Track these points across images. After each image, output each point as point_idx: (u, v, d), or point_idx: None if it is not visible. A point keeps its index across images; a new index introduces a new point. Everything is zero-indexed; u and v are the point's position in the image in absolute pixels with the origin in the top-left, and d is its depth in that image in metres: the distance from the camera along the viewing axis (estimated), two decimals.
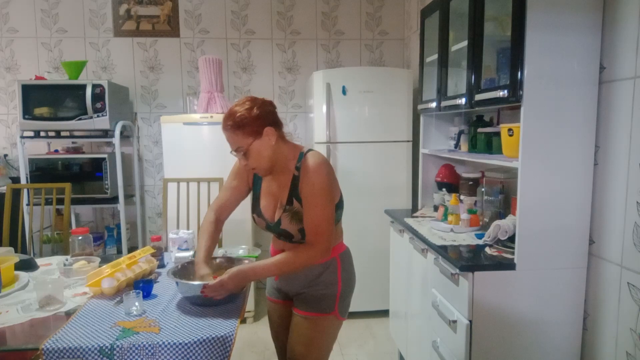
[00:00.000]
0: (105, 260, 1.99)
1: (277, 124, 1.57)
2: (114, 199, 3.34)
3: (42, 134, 3.36)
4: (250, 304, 3.25)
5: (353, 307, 3.29)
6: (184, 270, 1.69)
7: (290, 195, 1.58)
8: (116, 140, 3.27)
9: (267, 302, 1.85)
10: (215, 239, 1.73)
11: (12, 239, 2.70)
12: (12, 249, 2.17)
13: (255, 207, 1.69)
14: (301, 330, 1.64)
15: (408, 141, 3.26)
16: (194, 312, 1.52)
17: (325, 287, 1.63)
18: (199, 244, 1.70)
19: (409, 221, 2.44)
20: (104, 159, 3.29)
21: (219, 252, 2.13)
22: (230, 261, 1.76)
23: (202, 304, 1.55)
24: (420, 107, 2.69)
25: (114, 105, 3.29)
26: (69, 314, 1.52)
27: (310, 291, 1.64)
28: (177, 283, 1.59)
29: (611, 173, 1.64)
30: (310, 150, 1.61)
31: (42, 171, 3.28)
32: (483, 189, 2.23)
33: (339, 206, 1.63)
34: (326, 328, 1.66)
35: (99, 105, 3.20)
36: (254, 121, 1.50)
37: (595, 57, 1.65)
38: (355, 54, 3.90)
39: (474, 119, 2.35)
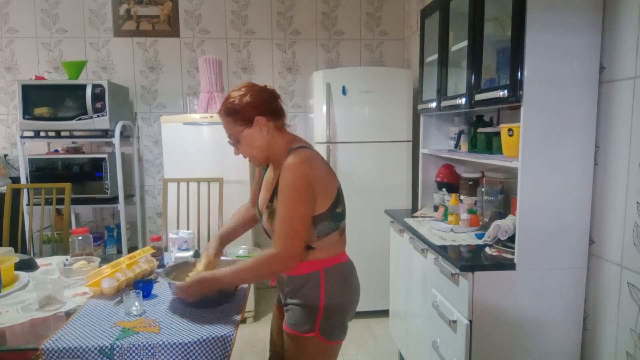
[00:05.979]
0: (105, 260, 1.99)
1: (273, 113, 1.47)
2: (114, 199, 3.34)
3: (42, 134, 3.36)
4: (250, 304, 3.25)
5: None
6: (176, 271, 1.67)
7: (274, 192, 1.47)
8: (116, 140, 3.27)
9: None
10: (243, 220, 1.76)
11: (12, 239, 2.70)
12: (12, 249, 2.18)
13: (257, 197, 1.63)
14: (286, 346, 1.52)
15: (408, 141, 3.27)
16: (194, 312, 1.52)
17: (304, 303, 1.47)
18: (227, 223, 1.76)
19: (409, 221, 2.44)
20: (104, 159, 3.29)
21: None
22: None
23: (195, 306, 1.54)
24: (420, 107, 2.69)
25: (114, 105, 3.29)
26: (69, 314, 1.52)
27: (291, 304, 1.51)
28: (169, 284, 1.57)
29: (611, 173, 1.64)
30: (299, 147, 1.46)
31: (42, 171, 3.28)
32: (483, 189, 2.23)
33: (334, 217, 1.46)
34: (307, 350, 1.46)
35: (99, 105, 3.20)
36: (244, 108, 1.43)
37: (595, 57, 1.65)
38: (355, 54, 3.90)
39: (474, 119, 2.35)
